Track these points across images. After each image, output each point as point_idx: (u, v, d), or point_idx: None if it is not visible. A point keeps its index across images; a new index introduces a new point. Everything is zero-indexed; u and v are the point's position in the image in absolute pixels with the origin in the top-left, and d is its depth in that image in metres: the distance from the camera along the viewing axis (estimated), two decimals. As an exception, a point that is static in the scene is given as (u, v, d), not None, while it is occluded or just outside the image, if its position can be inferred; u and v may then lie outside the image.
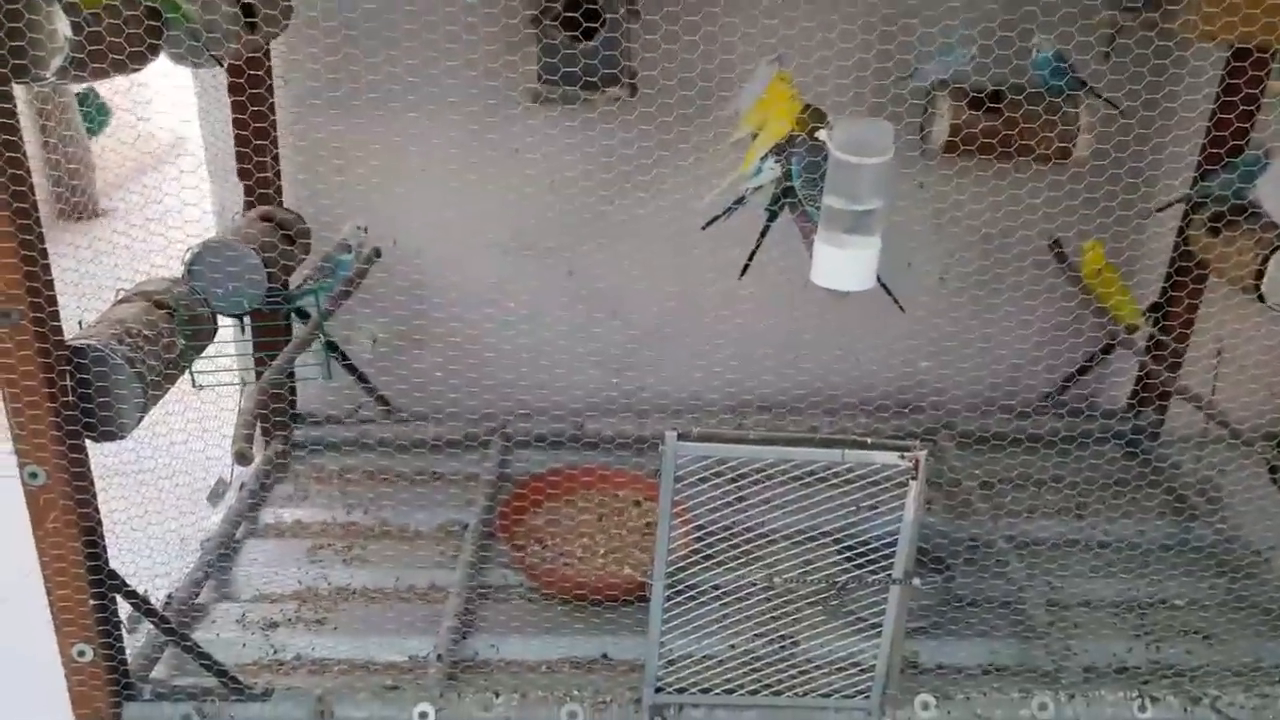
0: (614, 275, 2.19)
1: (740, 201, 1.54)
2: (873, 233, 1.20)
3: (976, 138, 1.92)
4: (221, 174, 2.03)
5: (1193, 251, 1.95)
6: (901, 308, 1.46)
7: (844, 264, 1.21)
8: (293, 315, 1.91)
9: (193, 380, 1.65)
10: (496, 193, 2.10)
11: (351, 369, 2.12)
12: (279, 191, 1.99)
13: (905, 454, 1.29)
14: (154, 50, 1.39)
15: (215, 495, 1.93)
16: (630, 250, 2.16)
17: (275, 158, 1.96)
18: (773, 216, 1.49)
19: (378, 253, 2.07)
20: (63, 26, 1.16)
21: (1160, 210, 2.02)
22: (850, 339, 2.23)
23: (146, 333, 1.37)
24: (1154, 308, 2.10)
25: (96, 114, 4.28)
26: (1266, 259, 1.71)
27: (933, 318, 2.22)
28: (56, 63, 1.18)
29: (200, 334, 1.52)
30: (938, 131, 1.93)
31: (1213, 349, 2.13)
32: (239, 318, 1.77)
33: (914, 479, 1.30)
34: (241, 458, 1.37)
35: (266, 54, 1.87)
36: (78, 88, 4.20)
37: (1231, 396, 2.16)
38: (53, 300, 1.24)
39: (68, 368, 1.27)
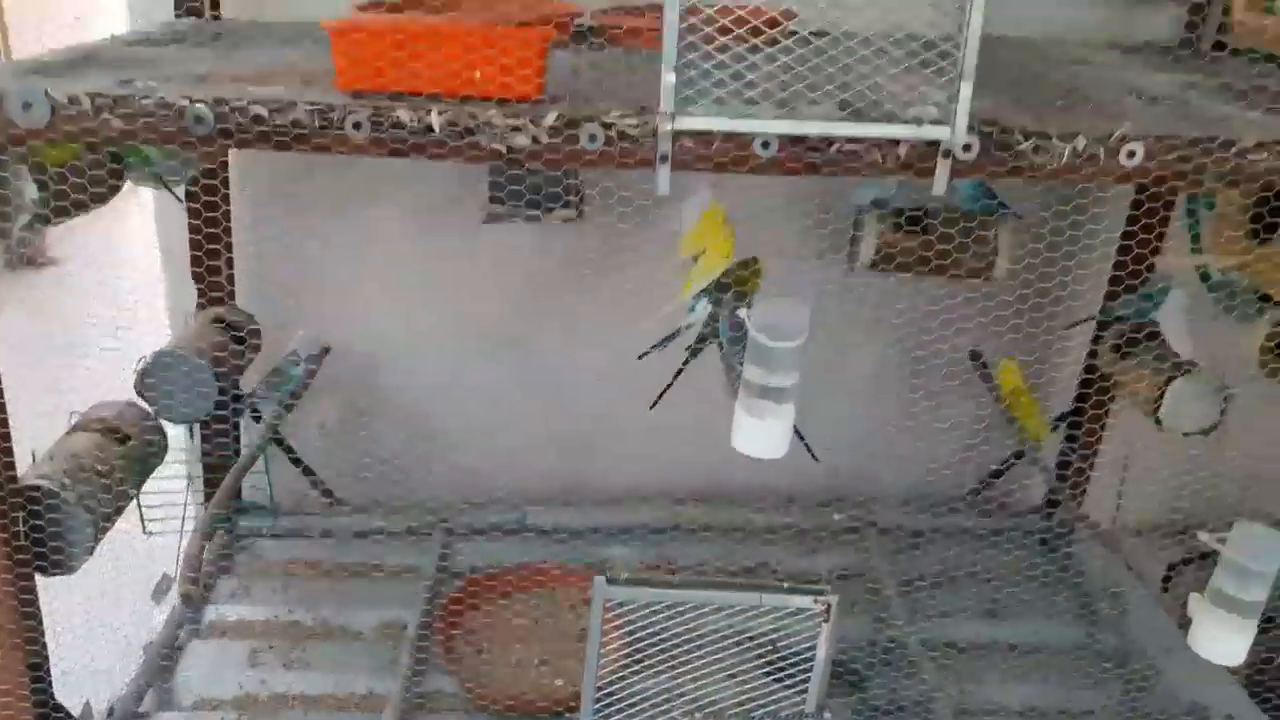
0: (560, 368, 2.26)
1: (673, 336, 1.62)
2: (786, 402, 1.30)
3: (899, 256, 2.03)
4: (176, 270, 2.07)
5: (1100, 370, 2.08)
6: (815, 458, 1.55)
7: (760, 434, 1.30)
8: (245, 416, 1.95)
9: (143, 526, 1.70)
10: (447, 288, 2.16)
11: (296, 460, 2.16)
12: (232, 292, 2.04)
13: (818, 599, 1.38)
14: (115, 189, 1.45)
15: (159, 592, 1.96)
16: (577, 344, 2.24)
17: (229, 260, 2.01)
18: (694, 354, 1.58)
19: (327, 350, 2.12)
20: (29, 190, 1.22)
21: (1070, 328, 2.14)
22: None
23: (99, 468, 1.41)
24: (1062, 417, 2.22)
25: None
26: (1164, 387, 1.83)
27: (861, 418, 2.32)
28: (23, 220, 1.23)
29: (152, 460, 1.56)
30: (865, 249, 2.03)
31: (1120, 457, 2.25)
32: (190, 425, 1.82)
33: (826, 621, 1.39)
34: (187, 599, 1.41)
35: (223, 164, 1.92)
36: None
37: (1138, 504, 2.29)
38: (7, 439, 1.28)
39: (21, 508, 1.31)
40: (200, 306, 1.98)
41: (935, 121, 1.12)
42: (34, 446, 1.47)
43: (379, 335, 2.20)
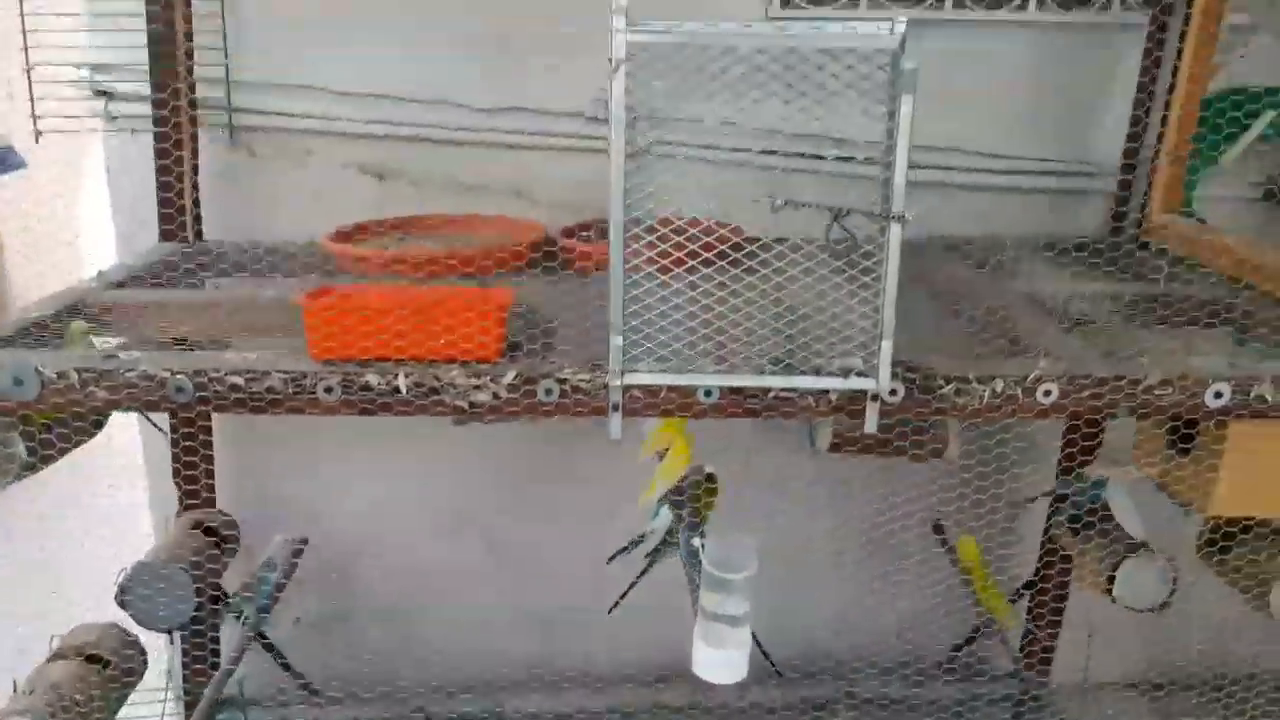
0: (534, 554, 2.32)
1: (639, 541, 1.69)
2: (742, 626, 1.36)
3: (856, 440, 2.11)
4: (158, 473, 2.13)
5: (1057, 545, 2.15)
6: (779, 672, 1.60)
7: (720, 661, 1.36)
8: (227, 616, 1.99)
9: None
10: (421, 479, 2.23)
11: (276, 655, 2.18)
12: (212, 489, 2.10)
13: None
14: (100, 425, 1.52)
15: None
16: (551, 531, 2.29)
17: (208, 457, 2.08)
18: (653, 563, 1.64)
19: (304, 542, 2.17)
20: (20, 449, 1.29)
21: (1028, 502, 2.22)
22: (760, 618, 2.36)
23: (78, 697, 1.45)
24: (1027, 585, 2.28)
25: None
26: (1116, 566, 1.90)
27: (832, 592, 2.37)
28: (10, 476, 1.30)
29: (131, 682, 1.60)
30: (821, 437, 2.11)
31: (1085, 623, 2.30)
32: (170, 633, 1.85)
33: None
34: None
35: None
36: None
37: (1105, 666, 2.33)
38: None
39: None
40: (181, 509, 2.04)
41: (860, 373, 1.21)
42: (14, 670, 1.52)
43: (356, 525, 2.26)
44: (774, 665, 1.58)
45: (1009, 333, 1.44)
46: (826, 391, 1.23)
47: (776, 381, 1.22)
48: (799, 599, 2.38)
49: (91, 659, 1.54)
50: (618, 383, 1.22)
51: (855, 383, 1.22)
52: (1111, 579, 1.89)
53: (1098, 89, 2.09)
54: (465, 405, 1.23)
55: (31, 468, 1.34)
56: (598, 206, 1.91)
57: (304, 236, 1.94)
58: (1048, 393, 1.25)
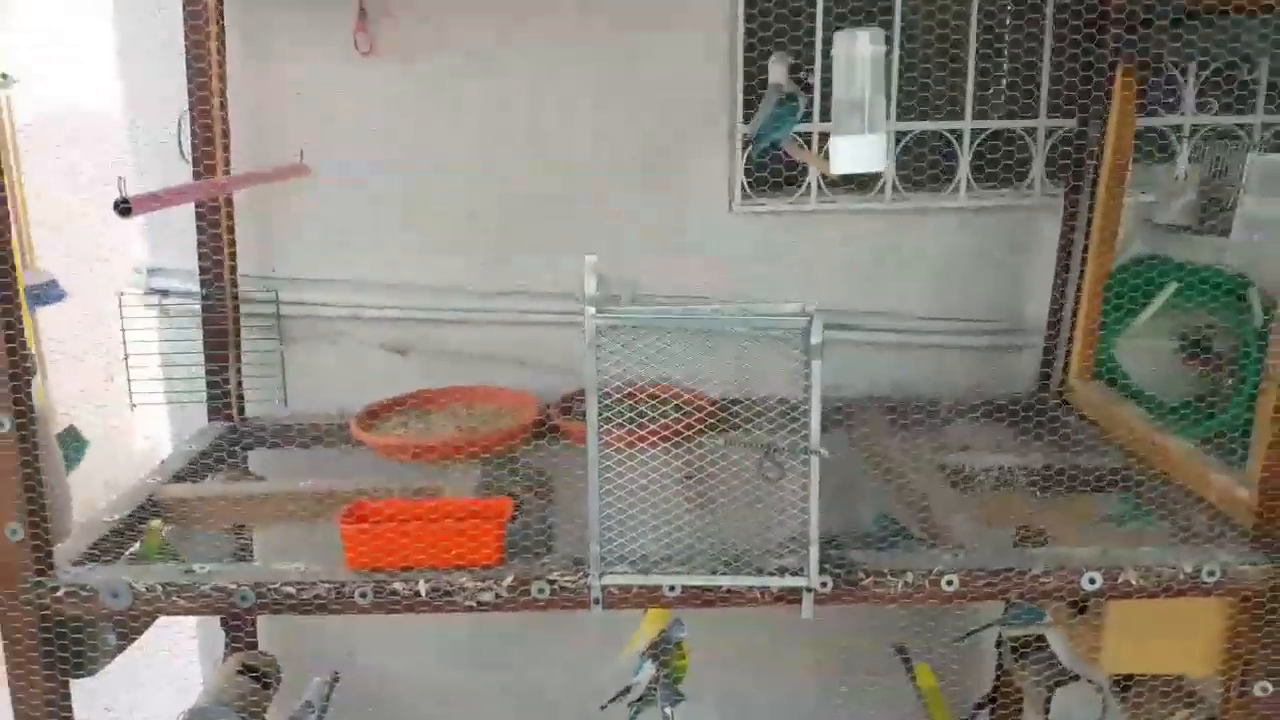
0: (538, 688, 2.58)
1: (625, 691, 1.95)
2: None
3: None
4: (206, 620, 2.41)
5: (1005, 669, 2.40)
6: None
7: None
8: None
9: None
10: (439, 619, 2.50)
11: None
12: (254, 635, 2.37)
13: None
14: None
15: None
16: (551, 668, 2.55)
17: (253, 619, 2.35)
18: (637, 713, 1.90)
19: (336, 677, 2.44)
20: (112, 638, 1.58)
21: (971, 633, 2.46)
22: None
23: None
24: (979, 705, 2.53)
25: (74, 450, 4.63)
26: (1051, 693, 2.15)
27: (812, 707, 2.63)
28: (107, 660, 1.59)
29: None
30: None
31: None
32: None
33: None
34: None
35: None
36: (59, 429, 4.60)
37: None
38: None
39: None
40: (227, 651, 2.31)
41: (794, 573, 1.49)
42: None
43: (383, 661, 2.53)
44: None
45: (926, 514, 1.73)
46: (769, 587, 1.51)
47: (726, 580, 1.50)
48: (784, 713, 2.64)
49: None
50: (598, 583, 1.50)
51: (790, 581, 1.50)
52: (1048, 704, 2.15)
53: (1025, 258, 2.38)
54: (474, 604, 1.51)
55: (121, 650, 1.63)
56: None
57: (335, 406, 2.24)
58: (950, 583, 1.52)
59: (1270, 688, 1.57)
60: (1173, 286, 2.24)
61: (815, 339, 1.39)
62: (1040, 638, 2.25)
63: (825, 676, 2.64)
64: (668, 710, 1.72)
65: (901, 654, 2.54)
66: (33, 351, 4.34)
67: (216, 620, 2.30)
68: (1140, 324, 2.27)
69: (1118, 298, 2.25)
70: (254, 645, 2.35)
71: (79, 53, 1.46)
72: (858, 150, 1.56)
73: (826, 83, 1.68)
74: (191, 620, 2.45)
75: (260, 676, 2.25)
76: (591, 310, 1.40)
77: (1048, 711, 2.12)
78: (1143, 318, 2.26)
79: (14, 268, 1.39)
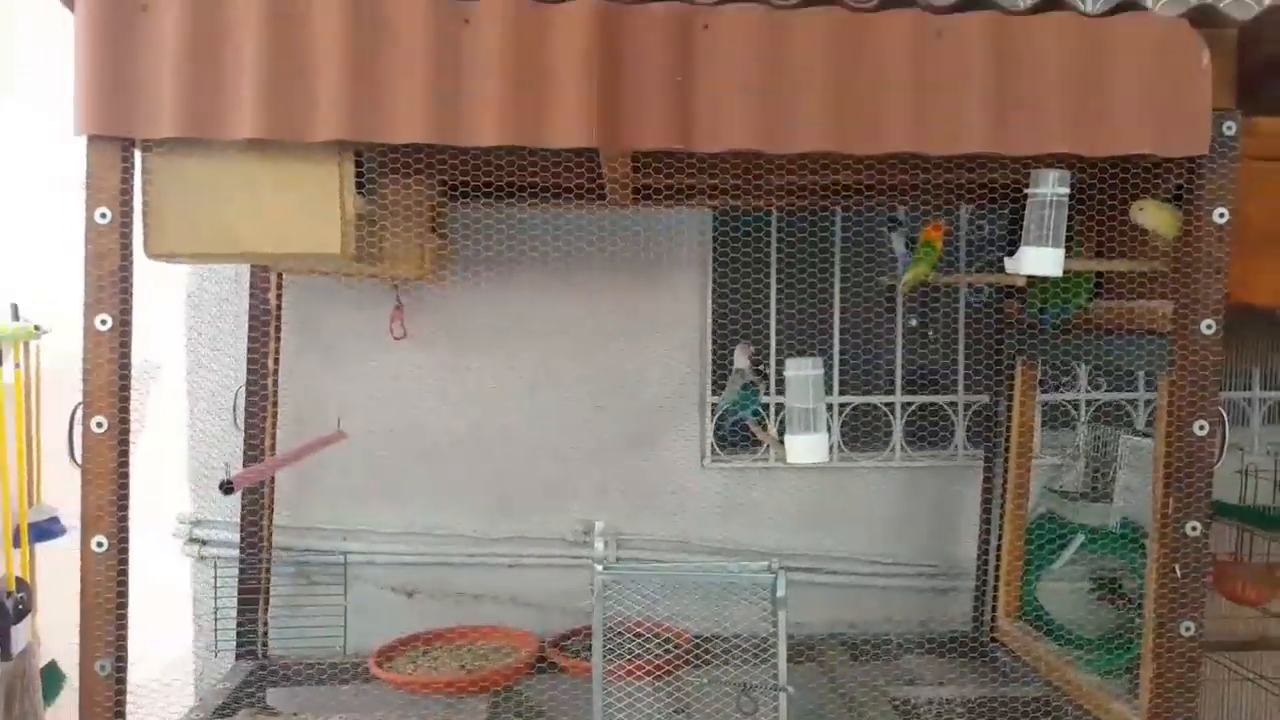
0: None
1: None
2: None
3: None
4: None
5: None
6: None
7: None
8: None
9: None
10: None
11: None
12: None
13: None
14: None
15: None
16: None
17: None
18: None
19: None
20: None
21: None
22: None
23: None
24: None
25: (53, 683, 4.71)
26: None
27: None
28: None
29: None
30: None
31: None
32: None
33: None
34: None
35: None
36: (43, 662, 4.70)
37: None
38: None
39: None
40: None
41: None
42: None
43: None
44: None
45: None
46: None
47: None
48: None
49: None
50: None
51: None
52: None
53: (954, 509, 2.79)
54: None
55: None
56: (577, 609, 2.53)
57: (350, 643, 2.51)
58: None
59: None
60: (1080, 539, 2.62)
61: (780, 591, 1.74)
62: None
63: None
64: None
65: None
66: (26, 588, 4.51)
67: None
68: (1056, 570, 2.64)
69: (1036, 547, 2.62)
70: None
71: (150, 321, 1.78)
72: (806, 446, 1.98)
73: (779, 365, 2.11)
74: None
75: None
76: (599, 567, 1.75)
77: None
78: (1057, 565, 2.64)
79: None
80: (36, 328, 4.84)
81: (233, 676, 2.35)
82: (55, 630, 4.73)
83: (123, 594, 1.70)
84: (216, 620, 2.44)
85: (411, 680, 2.23)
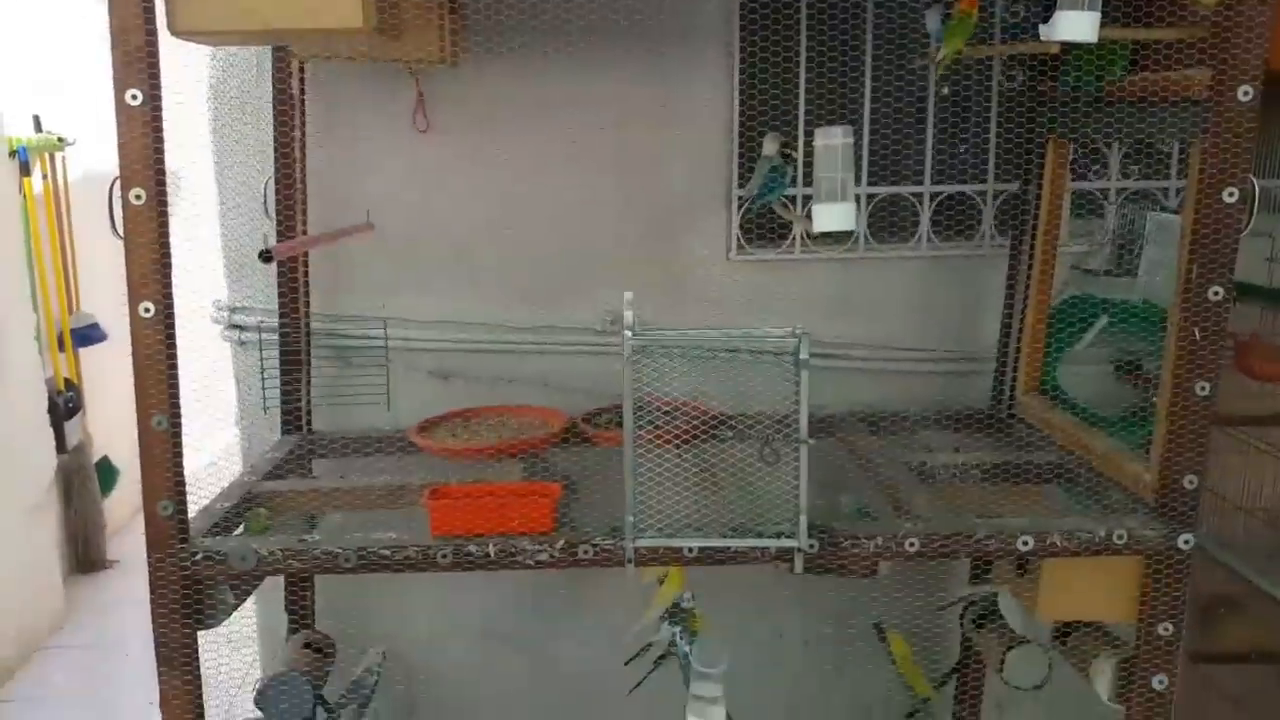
0: (566, 659, 2.93)
1: (648, 648, 2.33)
2: (719, 705, 2.00)
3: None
4: (262, 593, 2.75)
5: (968, 639, 2.78)
6: None
7: None
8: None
9: None
10: (473, 604, 2.86)
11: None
12: (312, 616, 2.72)
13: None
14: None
15: None
16: (578, 640, 2.91)
17: (310, 590, 2.71)
18: (658, 665, 2.27)
19: (384, 655, 2.79)
20: (229, 596, 1.93)
21: (942, 609, 2.85)
22: (737, 689, 2.96)
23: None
24: (951, 671, 2.89)
25: (108, 476, 4.99)
26: (1005, 655, 2.52)
27: (800, 678, 3.00)
28: (225, 615, 1.94)
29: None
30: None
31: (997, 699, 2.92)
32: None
33: None
34: None
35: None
36: (97, 456, 4.95)
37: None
38: None
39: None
40: (290, 630, 2.66)
41: (788, 535, 1.87)
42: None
43: (426, 637, 2.89)
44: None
45: (895, 496, 2.12)
46: (768, 548, 1.89)
47: (733, 542, 1.88)
48: (774, 684, 3.00)
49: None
50: (631, 545, 1.87)
51: (785, 542, 1.88)
52: (1002, 664, 2.52)
53: (978, 298, 2.81)
54: (533, 564, 1.88)
55: (235, 607, 1.98)
56: (604, 392, 2.61)
57: (388, 423, 2.62)
58: (911, 544, 1.91)
59: (1171, 628, 1.95)
60: (1103, 320, 2.66)
61: (804, 354, 1.79)
62: (997, 611, 2.63)
63: (812, 651, 3.01)
64: (686, 649, 2.09)
65: (878, 631, 2.92)
66: (75, 388, 4.69)
67: (278, 603, 2.65)
68: (1078, 351, 2.68)
69: (1058, 331, 2.66)
70: (310, 626, 2.70)
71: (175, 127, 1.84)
72: (833, 214, 1.99)
73: (807, 156, 2.10)
74: (251, 606, 2.79)
75: (321, 651, 2.59)
76: (629, 333, 1.80)
77: (1001, 671, 2.49)
78: (1080, 346, 2.68)
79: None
80: (60, 140, 4.87)
81: (279, 448, 2.47)
82: (103, 429, 4.98)
83: (172, 355, 1.77)
84: (264, 391, 2.52)
85: (450, 447, 2.34)
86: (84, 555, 4.75)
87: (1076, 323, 2.66)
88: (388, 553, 1.86)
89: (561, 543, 1.89)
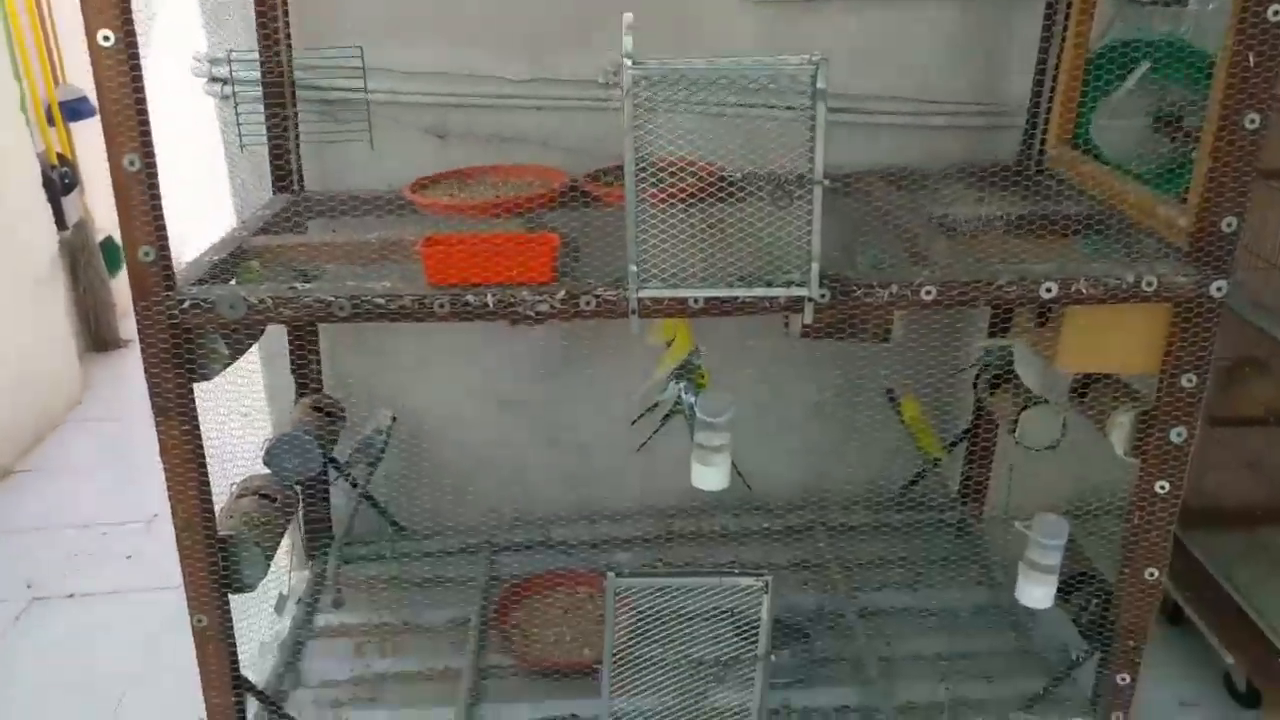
0: (573, 422, 2.94)
1: (654, 407, 2.30)
2: (724, 453, 1.98)
3: (820, 328, 2.68)
4: (270, 361, 2.74)
5: (983, 401, 2.74)
6: (749, 486, 2.22)
7: (710, 477, 1.98)
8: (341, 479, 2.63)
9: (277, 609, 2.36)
10: (480, 368, 2.84)
11: (375, 505, 2.83)
12: (320, 379, 2.71)
13: (759, 578, 2.04)
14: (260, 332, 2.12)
15: (279, 607, 2.64)
16: (584, 402, 2.90)
17: (317, 355, 2.68)
18: (665, 422, 2.25)
19: (394, 418, 2.79)
20: (221, 347, 1.88)
21: (959, 372, 2.80)
22: (749, 454, 2.98)
23: (262, 520, 2.09)
24: (966, 432, 2.88)
25: (113, 255, 4.92)
26: (1019, 415, 2.49)
27: (810, 443, 3.00)
28: (220, 367, 1.90)
29: (290, 513, 2.24)
30: (795, 324, 2.69)
31: (1007, 464, 2.91)
32: (298, 485, 2.48)
33: (766, 594, 2.05)
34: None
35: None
36: (100, 236, 4.87)
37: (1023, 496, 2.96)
38: (208, 498, 1.95)
39: (219, 550, 1.98)
40: (298, 394, 2.65)
41: (799, 284, 1.78)
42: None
43: (434, 403, 2.88)
44: (747, 483, 2.20)
45: (913, 247, 2.01)
46: (777, 297, 1.81)
47: (741, 291, 1.80)
48: (783, 449, 3.01)
49: (264, 496, 2.17)
50: (635, 295, 1.79)
51: (795, 290, 1.79)
52: (1015, 424, 2.49)
53: (1010, 43, 2.60)
54: (533, 314, 1.81)
55: (231, 360, 1.94)
56: (607, 153, 2.47)
57: (381, 184, 2.50)
58: (929, 292, 1.82)
59: (1194, 379, 1.89)
60: (1145, 65, 2.46)
61: (821, 84, 1.64)
62: (1012, 373, 2.58)
63: (821, 415, 3.00)
64: (691, 399, 2.06)
65: (890, 396, 2.89)
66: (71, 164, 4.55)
67: (285, 369, 2.63)
68: (1115, 100, 2.50)
69: (1094, 80, 2.47)
70: (319, 390, 2.69)
71: None
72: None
73: None
74: (259, 370, 2.78)
75: (329, 414, 2.59)
76: (629, 63, 1.64)
77: (1014, 431, 2.46)
78: (1117, 95, 2.49)
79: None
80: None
81: (271, 205, 2.37)
82: (105, 210, 4.87)
83: (139, 89, 1.65)
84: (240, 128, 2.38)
85: (447, 204, 2.23)
86: (96, 334, 4.76)
87: (1117, 68, 2.47)
88: (382, 301, 1.79)
89: (562, 293, 1.81)
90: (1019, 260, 1.92)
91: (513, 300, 1.80)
